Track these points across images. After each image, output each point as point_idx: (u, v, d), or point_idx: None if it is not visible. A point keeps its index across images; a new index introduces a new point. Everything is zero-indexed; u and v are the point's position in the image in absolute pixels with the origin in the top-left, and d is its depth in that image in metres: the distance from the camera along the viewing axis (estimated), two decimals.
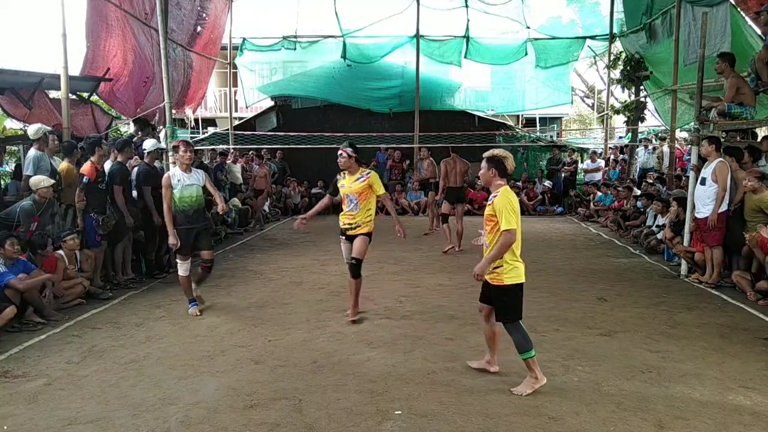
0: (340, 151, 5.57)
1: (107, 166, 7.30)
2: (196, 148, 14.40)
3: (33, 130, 7.12)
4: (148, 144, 7.92)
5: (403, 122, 15.98)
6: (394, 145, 15.82)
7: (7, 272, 5.52)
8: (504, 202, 3.87)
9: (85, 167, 6.88)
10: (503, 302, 3.97)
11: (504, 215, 3.84)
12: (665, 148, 14.42)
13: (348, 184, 5.60)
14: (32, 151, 7.06)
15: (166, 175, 5.90)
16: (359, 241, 5.62)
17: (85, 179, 6.78)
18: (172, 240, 5.74)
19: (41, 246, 6.12)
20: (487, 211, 4.01)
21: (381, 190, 5.66)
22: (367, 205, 5.61)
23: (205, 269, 6.13)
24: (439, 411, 3.74)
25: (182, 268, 5.94)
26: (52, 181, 6.49)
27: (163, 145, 8.21)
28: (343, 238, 5.74)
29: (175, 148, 5.96)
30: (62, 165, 7.22)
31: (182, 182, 5.81)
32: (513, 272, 3.93)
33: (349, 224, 5.64)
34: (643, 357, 4.67)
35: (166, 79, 8.72)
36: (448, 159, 9.49)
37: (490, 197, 4.02)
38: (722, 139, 7.52)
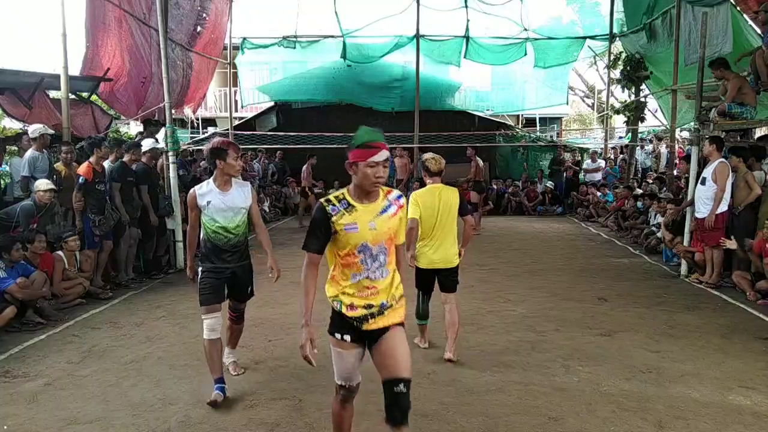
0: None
1: (106, 165, 7.29)
2: (196, 148, 14.52)
3: (32, 129, 7.16)
4: (146, 143, 7.90)
5: (403, 122, 15.94)
6: (405, 146, 15.80)
7: (7, 278, 5.52)
8: (412, 197, 4.61)
9: (82, 168, 6.88)
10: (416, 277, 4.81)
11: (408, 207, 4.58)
12: (662, 149, 14.39)
13: (366, 221, 2.68)
14: (29, 152, 7.08)
15: (191, 191, 4.05)
16: (398, 338, 2.79)
17: (81, 180, 6.77)
18: (189, 274, 4.18)
19: (29, 241, 6.08)
20: None
21: (403, 236, 2.95)
22: (393, 260, 2.86)
23: (233, 321, 4.35)
24: (439, 411, 3.74)
25: (206, 325, 3.91)
26: (52, 187, 6.48)
27: (160, 144, 8.18)
28: (347, 339, 2.87)
29: (218, 152, 3.89)
30: (58, 165, 7.23)
31: (214, 204, 3.93)
32: (420, 258, 4.69)
33: (369, 307, 2.77)
34: (643, 357, 4.67)
35: (166, 79, 8.70)
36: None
37: None
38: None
